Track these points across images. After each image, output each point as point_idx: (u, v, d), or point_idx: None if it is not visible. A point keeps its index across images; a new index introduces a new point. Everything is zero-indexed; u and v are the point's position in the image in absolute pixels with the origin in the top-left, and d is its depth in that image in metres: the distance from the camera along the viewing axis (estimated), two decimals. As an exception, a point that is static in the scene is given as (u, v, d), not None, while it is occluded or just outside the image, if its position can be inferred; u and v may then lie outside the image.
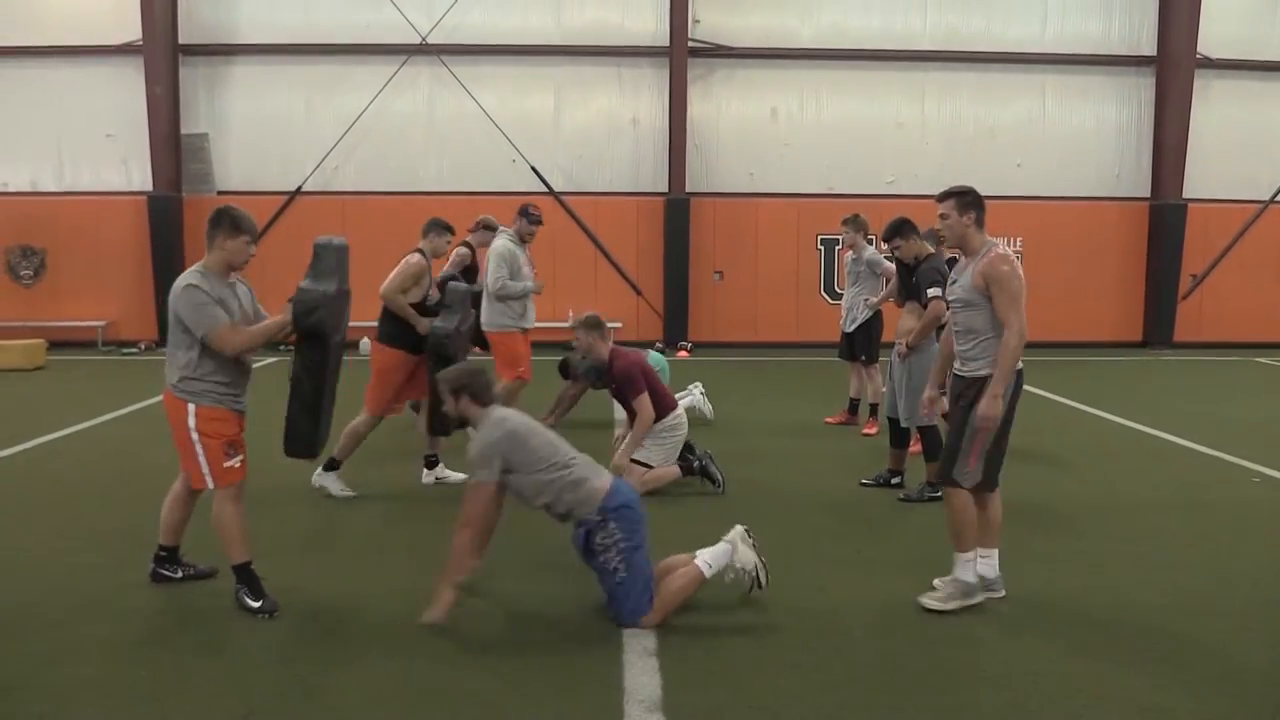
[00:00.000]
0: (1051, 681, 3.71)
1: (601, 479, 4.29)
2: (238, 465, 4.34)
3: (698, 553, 4.35)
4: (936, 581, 4.55)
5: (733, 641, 4.09)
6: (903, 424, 6.50)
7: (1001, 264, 4.37)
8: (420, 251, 6.60)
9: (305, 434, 4.53)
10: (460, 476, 6.70)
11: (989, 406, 4.31)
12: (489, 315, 7.58)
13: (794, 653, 3.97)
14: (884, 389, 7.41)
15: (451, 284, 6.63)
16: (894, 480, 6.61)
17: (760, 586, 4.34)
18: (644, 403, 6.25)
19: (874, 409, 8.62)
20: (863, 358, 8.72)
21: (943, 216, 4.58)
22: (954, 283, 4.57)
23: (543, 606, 4.44)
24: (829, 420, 9.02)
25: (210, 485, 4.32)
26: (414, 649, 3.97)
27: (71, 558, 5.10)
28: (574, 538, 4.30)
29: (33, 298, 14.84)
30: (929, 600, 4.44)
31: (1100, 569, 5.03)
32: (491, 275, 7.48)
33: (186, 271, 4.32)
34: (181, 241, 14.82)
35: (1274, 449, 7.85)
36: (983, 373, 4.39)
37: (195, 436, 4.27)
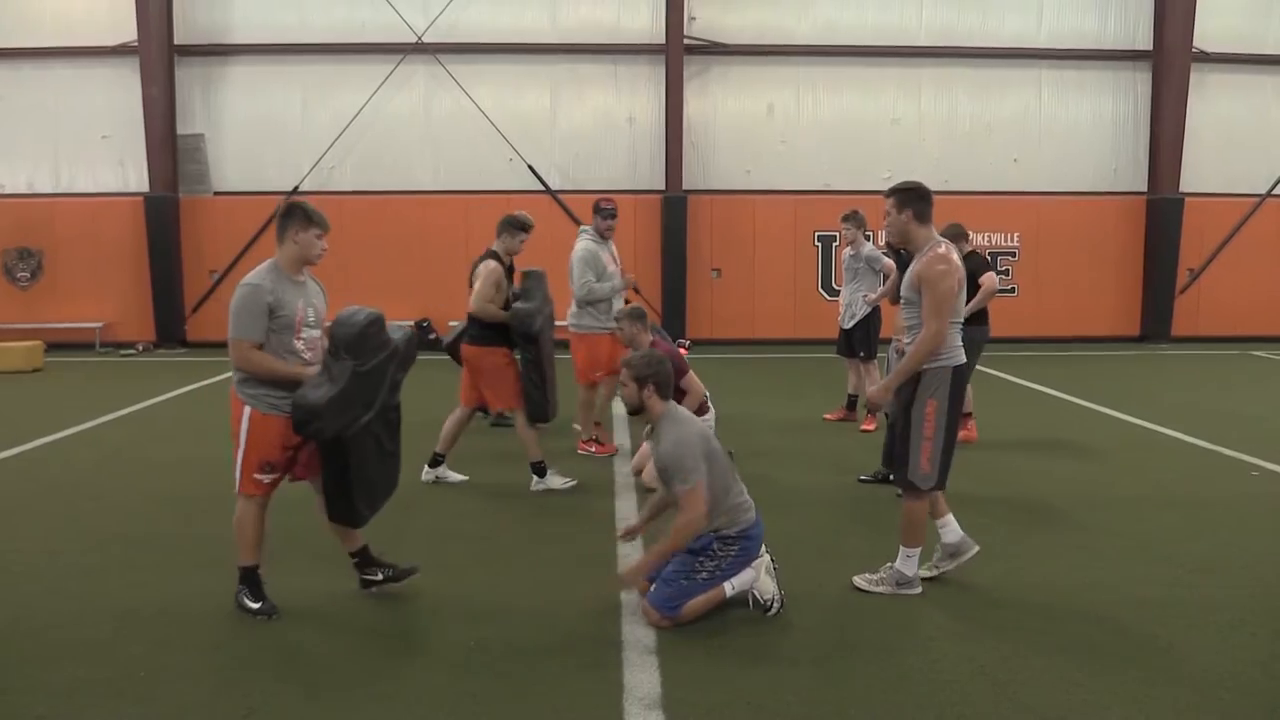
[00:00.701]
0: (1049, 676, 3.72)
1: (751, 508, 4.39)
2: (266, 481, 4.25)
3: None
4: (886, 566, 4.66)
5: (732, 639, 4.09)
6: (901, 420, 6.51)
7: (936, 264, 4.35)
8: (494, 254, 6.46)
9: (342, 506, 4.34)
10: (459, 477, 6.71)
11: (875, 394, 4.64)
12: (575, 317, 7.46)
13: (793, 650, 3.98)
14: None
15: (529, 270, 6.56)
16: (892, 477, 6.62)
17: (766, 613, 4.30)
18: (692, 380, 6.28)
19: (872, 405, 8.62)
20: (861, 354, 8.71)
21: (887, 213, 4.54)
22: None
23: (542, 604, 4.44)
24: (827, 417, 9.02)
25: (235, 488, 4.27)
26: (412, 648, 3.98)
27: (69, 559, 5.10)
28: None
29: (30, 299, 14.82)
30: (860, 579, 4.63)
31: (1098, 563, 5.03)
32: (576, 280, 7.31)
33: (258, 268, 4.21)
34: (178, 242, 14.83)
35: (1271, 442, 7.86)
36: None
37: (243, 439, 4.20)
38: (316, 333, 4.33)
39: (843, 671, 3.77)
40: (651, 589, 4.27)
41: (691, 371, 6.41)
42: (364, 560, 4.57)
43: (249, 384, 4.18)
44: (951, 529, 4.72)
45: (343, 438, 4.14)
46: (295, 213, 4.24)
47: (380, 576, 4.55)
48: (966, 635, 4.14)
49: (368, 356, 4.19)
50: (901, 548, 4.58)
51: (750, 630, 4.17)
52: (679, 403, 6.28)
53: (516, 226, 6.54)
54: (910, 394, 4.45)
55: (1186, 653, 3.95)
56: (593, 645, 4.00)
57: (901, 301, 4.59)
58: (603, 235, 7.52)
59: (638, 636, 4.07)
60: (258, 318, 4.09)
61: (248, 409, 4.18)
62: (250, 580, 4.34)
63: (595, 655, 3.90)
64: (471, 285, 6.44)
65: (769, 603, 4.29)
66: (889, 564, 4.65)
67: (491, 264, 6.38)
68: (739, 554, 4.28)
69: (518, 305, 6.31)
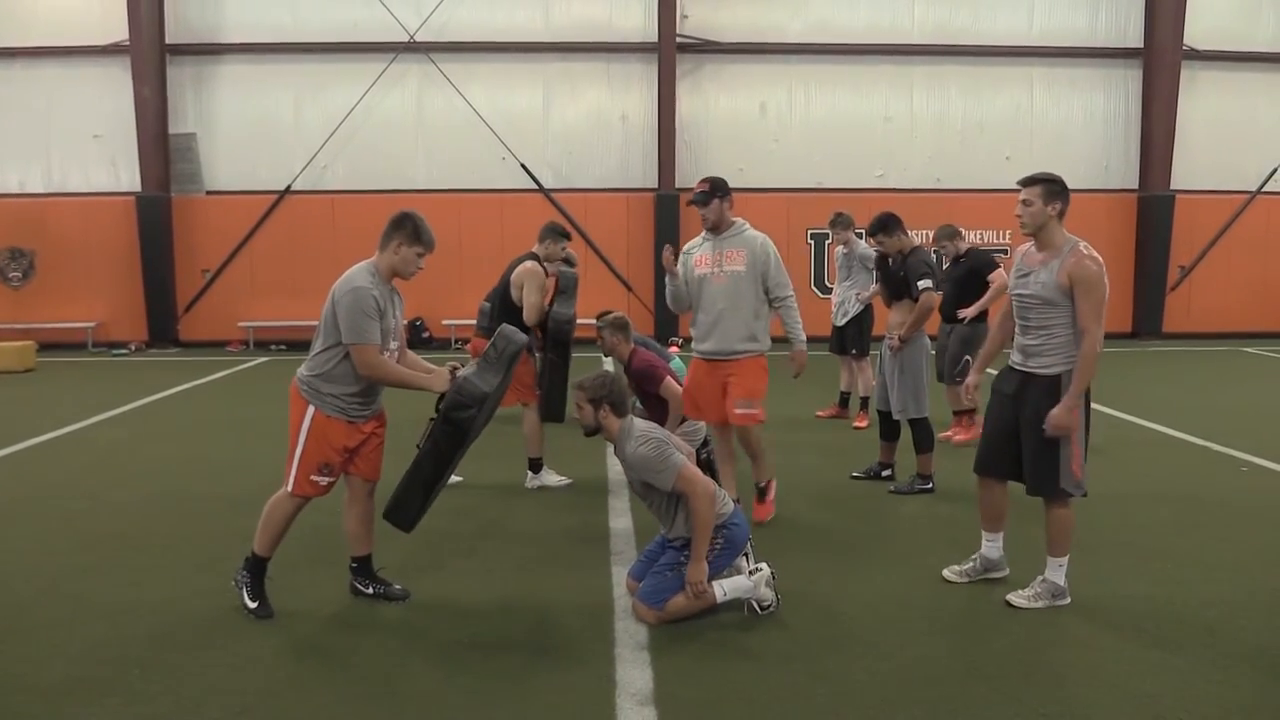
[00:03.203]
0: (1041, 670, 3.75)
1: (729, 501, 4.41)
2: (323, 484, 4.20)
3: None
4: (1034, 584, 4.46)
5: (724, 634, 4.10)
6: (894, 417, 6.52)
7: (1092, 264, 4.15)
8: (535, 257, 6.48)
9: (410, 510, 4.34)
10: (456, 478, 6.71)
11: (1062, 417, 4.11)
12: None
13: (784, 645, 3.99)
14: (874, 382, 7.43)
15: (563, 270, 6.57)
16: (884, 473, 6.64)
17: (757, 613, 4.29)
18: (670, 387, 6.22)
19: (865, 402, 8.64)
20: (854, 351, 8.73)
21: (1026, 203, 4.25)
22: (1024, 275, 4.33)
23: (535, 601, 4.45)
24: (820, 414, 9.05)
25: (288, 487, 4.22)
26: (406, 645, 3.98)
27: (62, 559, 5.09)
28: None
29: (22, 299, 14.79)
30: (1016, 598, 4.39)
31: (1089, 558, 5.04)
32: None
33: (359, 269, 4.14)
34: (171, 242, 14.80)
35: (1261, 438, 7.90)
36: (1055, 370, 4.22)
37: (302, 438, 4.14)
38: (396, 345, 4.28)
39: (835, 668, 3.78)
40: (641, 584, 4.29)
41: (670, 378, 6.32)
42: (363, 570, 4.55)
43: (320, 382, 4.12)
44: (997, 546, 4.66)
45: (465, 440, 4.25)
46: (405, 224, 4.15)
47: (370, 591, 4.52)
48: (956, 630, 4.16)
49: (507, 375, 4.35)
50: (1050, 559, 4.40)
51: (742, 627, 4.18)
52: (659, 410, 6.31)
53: (561, 234, 6.64)
54: (1037, 398, 4.22)
55: (1176, 645, 3.97)
56: (585, 640, 4.01)
57: (1032, 301, 4.29)
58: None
59: (630, 633, 4.08)
60: (375, 320, 4.03)
61: (311, 408, 4.12)
62: (256, 571, 4.31)
63: (588, 651, 3.92)
64: (505, 281, 6.45)
65: (767, 609, 4.30)
66: (1040, 576, 4.43)
67: (534, 265, 6.39)
68: (724, 547, 4.28)
69: (555, 311, 6.38)
